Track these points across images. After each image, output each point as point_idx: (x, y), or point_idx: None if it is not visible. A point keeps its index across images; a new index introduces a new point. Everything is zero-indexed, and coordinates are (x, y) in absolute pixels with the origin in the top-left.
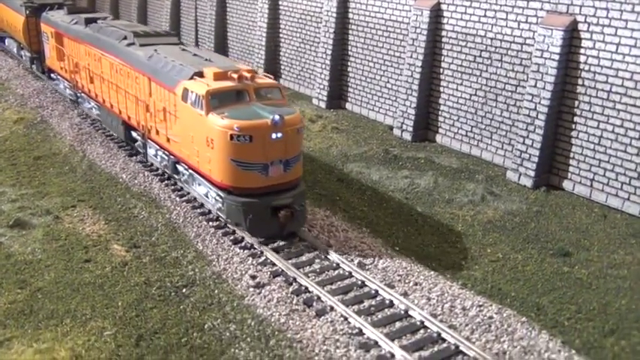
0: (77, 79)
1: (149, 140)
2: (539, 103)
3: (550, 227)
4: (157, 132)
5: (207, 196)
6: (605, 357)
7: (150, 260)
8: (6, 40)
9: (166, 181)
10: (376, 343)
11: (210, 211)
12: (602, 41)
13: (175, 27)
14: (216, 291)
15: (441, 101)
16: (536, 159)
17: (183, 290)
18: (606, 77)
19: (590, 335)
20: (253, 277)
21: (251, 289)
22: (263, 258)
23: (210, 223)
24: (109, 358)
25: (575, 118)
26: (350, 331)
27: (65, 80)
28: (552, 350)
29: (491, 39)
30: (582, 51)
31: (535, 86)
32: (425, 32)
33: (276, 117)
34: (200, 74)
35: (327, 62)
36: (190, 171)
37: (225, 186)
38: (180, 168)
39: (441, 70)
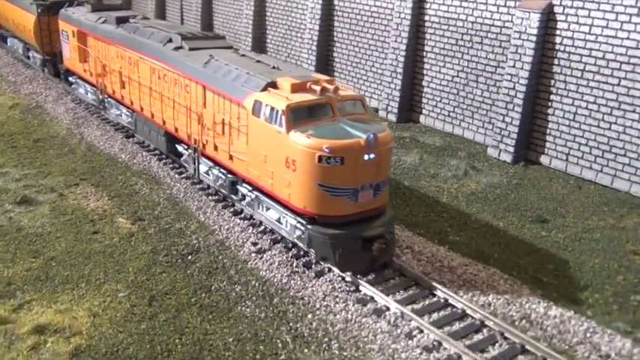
0: (105, 84)
1: (202, 156)
2: (518, 82)
3: (529, 198)
4: (216, 147)
5: (279, 222)
6: (581, 308)
7: (155, 231)
8: (8, 40)
9: (164, 160)
10: (372, 298)
11: (209, 186)
12: (577, 23)
13: (161, 15)
14: (220, 257)
15: (424, 83)
16: (515, 136)
17: (189, 257)
18: (580, 57)
19: (566, 289)
20: (255, 244)
21: (253, 255)
22: (263, 227)
23: (210, 197)
24: (124, 316)
25: (552, 96)
26: (348, 289)
27: (88, 84)
28: (532, 302)
29: (472, 22)
30: (558, 32)
31: (514, 67)
32: (409, 17)
33: (371, 136)
34: (274, 85)
35: (314, 48)
36: (256, 193)
37: (309, 213)
38: (242, 189)
39: (424, 53)
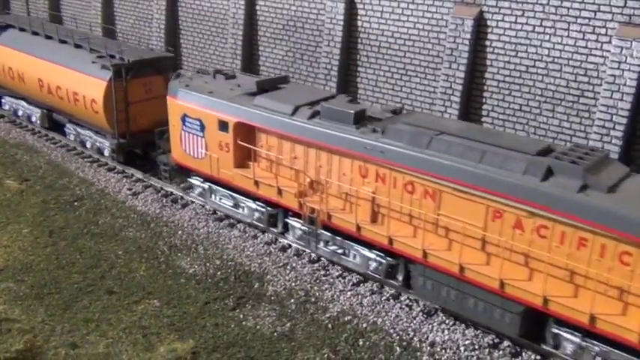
0: (330, 212)
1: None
2: (332, 58)
3: None
4: None
5: None
6: None
7: (42, 187)
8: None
9: (39, 133)
10: (227, 216)
11: (83, 151)
12: (372, 10)
13: (3, 6)
14: (102, 201)
15: (260, 62)
16: None
17: (75, 203)
18: (376, 36)
19: None
20: (130, 189)
21: (130, 197)
22: (135, 177)
23: (86, 159)
24: (30, 245)
25: (359, 68)
26: (207, 213)
27: (248, 197)
28: None
29: (294, 11)
30: (359, 17)
31: (328, 45)
32: (242, 8)
33: None
34: None
35: (162, 36)
36: None
37: None
38: None
39: (259, 37)
